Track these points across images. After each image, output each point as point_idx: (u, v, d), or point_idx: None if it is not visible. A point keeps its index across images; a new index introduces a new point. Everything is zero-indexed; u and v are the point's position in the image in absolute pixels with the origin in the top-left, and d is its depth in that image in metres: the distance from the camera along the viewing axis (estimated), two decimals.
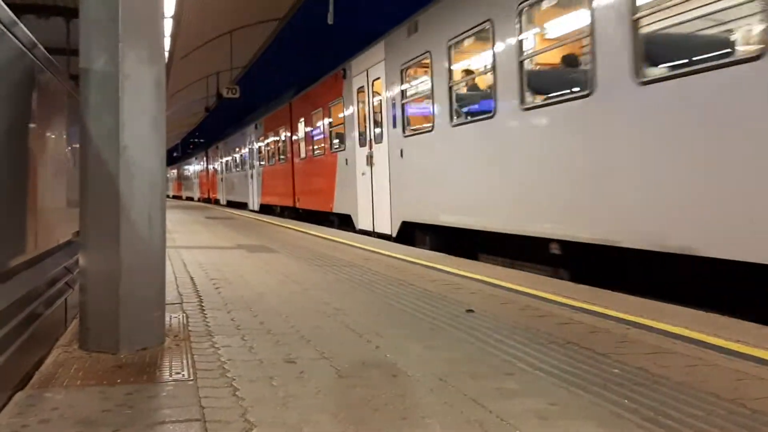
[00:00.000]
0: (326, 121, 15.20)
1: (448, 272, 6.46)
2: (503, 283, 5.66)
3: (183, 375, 3.02)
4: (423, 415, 2.48)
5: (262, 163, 23.44)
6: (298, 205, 18.09)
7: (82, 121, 3.51)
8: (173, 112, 38.12)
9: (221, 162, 33.88)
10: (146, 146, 3.52)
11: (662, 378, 2.92)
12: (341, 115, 13.80)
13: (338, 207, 14.13)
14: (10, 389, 2.71)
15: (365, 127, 12.17)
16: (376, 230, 11.42)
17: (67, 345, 3.60)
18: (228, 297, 5.13)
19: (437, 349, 3.48)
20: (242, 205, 27.34)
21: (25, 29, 3.28)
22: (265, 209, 22.95)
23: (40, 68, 3.69)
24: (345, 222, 13.85)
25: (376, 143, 11.48)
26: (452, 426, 2.37)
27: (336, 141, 14.62)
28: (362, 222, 12.33)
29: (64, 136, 4.57)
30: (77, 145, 3.71)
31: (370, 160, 11.69)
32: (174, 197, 59.57)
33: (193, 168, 49.30)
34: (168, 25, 15.48)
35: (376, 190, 11.41)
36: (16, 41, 3.14)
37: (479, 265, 7.20)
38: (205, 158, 41.34)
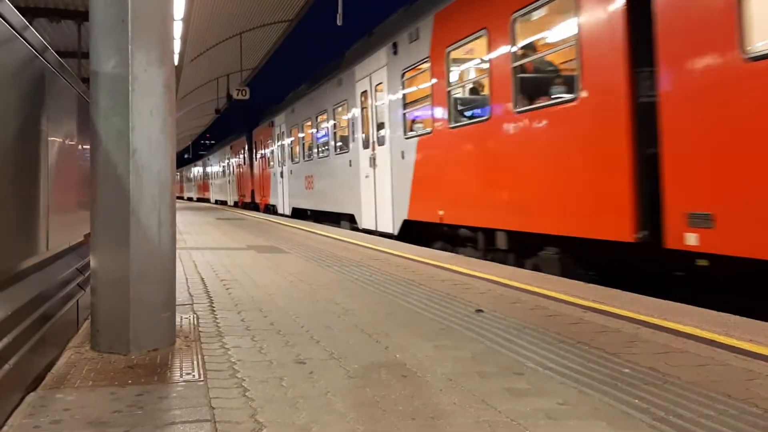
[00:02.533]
0: None
1: (457, 272, 6.45)
2: (512, 283, 5.64)
3: (193, 376, 3.04)
4: (432, 416, 2.48)
5: (415, 129, 10.57)
6: (669, 243, 5.18)
7: (92, 123, 3.52)
8: (184, 115, 38.35)
9: (281, 147, 21.81)
10: (156, 148, 3.52)
11: (673, 378, 2.91)
12: None
13: None
14: (23, 390, 2.73)
15: None
16: None
17: (78, 346, 3.63)
18: (238, 297, 5.15)
19: (447, 349, 3.48)
20: (330, 217, 15.70)
21: (36, 33, 3.31)
22: (412, 232, 10.64)
23: (51, 71, 3.72)
24: None
25: None
26: (462, 426, 2.37)
27: None
28: None
29: (75, 139, 4.60)
30: (88, 148, 3.73)
31: None
32: (199, 200, 49.03)
33: (226, 162, 36.20)
34: (178, 28, 15.55)
35: None
36: (28, 45, 3.17)
37: (488, 264, 7.18)
38: (246, 145, 29.40)
